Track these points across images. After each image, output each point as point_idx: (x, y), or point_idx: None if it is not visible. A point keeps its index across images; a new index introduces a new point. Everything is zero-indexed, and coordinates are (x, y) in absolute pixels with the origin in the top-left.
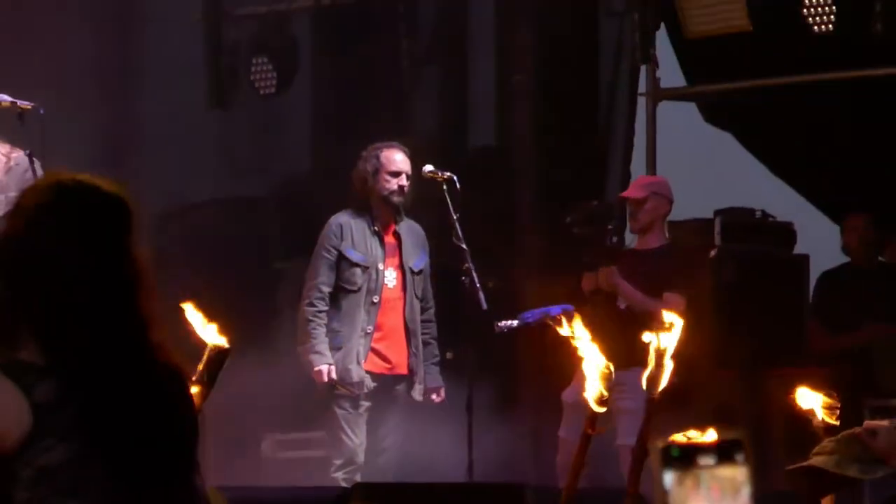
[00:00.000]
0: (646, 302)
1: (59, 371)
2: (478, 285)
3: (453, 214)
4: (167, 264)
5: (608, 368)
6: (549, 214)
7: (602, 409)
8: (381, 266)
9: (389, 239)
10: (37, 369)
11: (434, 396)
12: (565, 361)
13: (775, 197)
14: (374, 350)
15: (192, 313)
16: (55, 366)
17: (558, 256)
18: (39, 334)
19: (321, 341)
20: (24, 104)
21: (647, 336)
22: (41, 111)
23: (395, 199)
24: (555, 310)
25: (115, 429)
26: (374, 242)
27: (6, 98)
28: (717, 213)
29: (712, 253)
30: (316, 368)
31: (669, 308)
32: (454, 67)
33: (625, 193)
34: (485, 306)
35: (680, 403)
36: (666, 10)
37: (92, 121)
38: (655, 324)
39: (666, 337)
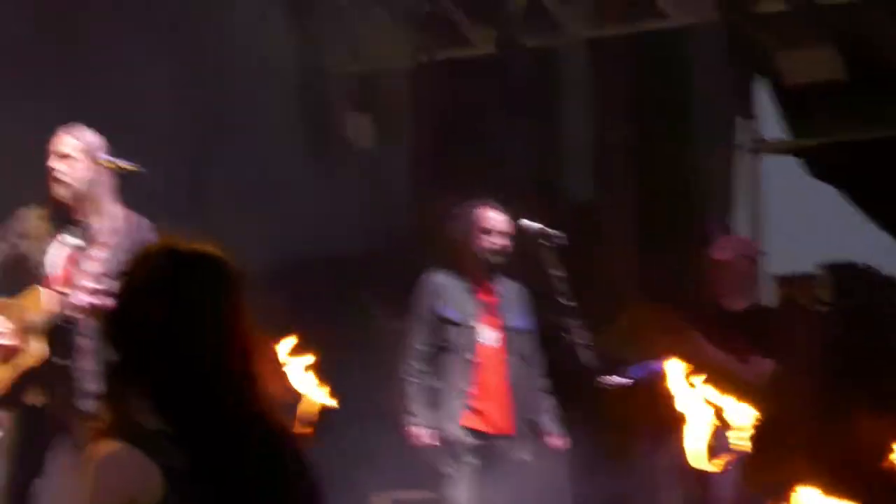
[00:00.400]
0: (732, 365)
1: (184, 438)
2: (581, 342)
3: (556, 271)
4: (267, 323)
5: (715, 423)
6: (648, 269)
7: (716, 468)
8: (477, 324)
9: (486, 297)
10: (161, 436)
11: (554, 440)
12: (667, 418)
13: (882, 251)
14: (476, 410)
15: (294, 368)
16: (178, 433)
17: (660, 311)
18: (157, 402)
19: (417, 402)
20: (127, 165)
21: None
22: (144, 171)
23: (490, 257)
24: (658, 365)
25: (241, 495)
26: (470, 300)
27: (109, 158)
28: (823, 267)
29: (819, 308)
30: (410, 429)
31: (757, 371)
32: (550, 121)
33: (711, 254)
34: (589, 363)
35: (784, 458)
36: (764, 62)
37: (190, 179)
38: (742, 386)
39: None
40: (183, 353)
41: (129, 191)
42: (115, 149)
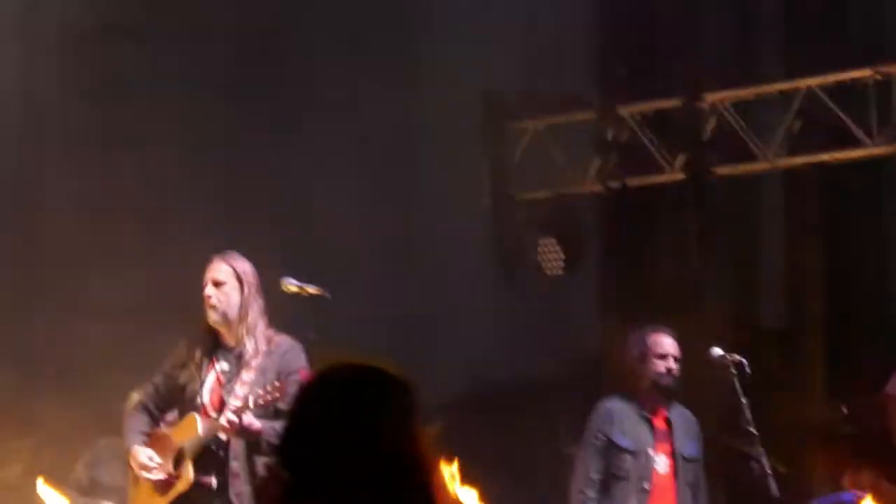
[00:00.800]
0: None
1: None
2: (768, 471)
3: (742, 398)
4: (455, 446)
5: None
6: (840, 401)
7: None
8: (650, 452)
9: (659, 424)
10: None
11: None
12: None
13: None
14: None
15: (465, 491)
16: None
17: (848, 443)
18: None
19: None
20: (311, 289)
21: None
22: (328, 296)
23: (664, 382)
24: (847, 497)
25: None
26: (644, 428)
27: (294, 282)
28: None
29: None
30: None
31: None
32: (743, 247)
33: (887, 390)
34: (775, 493)
35: None
36: None
37: (378, 303)
38: None
39: None
40: (358, 471)
41: (315, 313)
42: (303, 274)
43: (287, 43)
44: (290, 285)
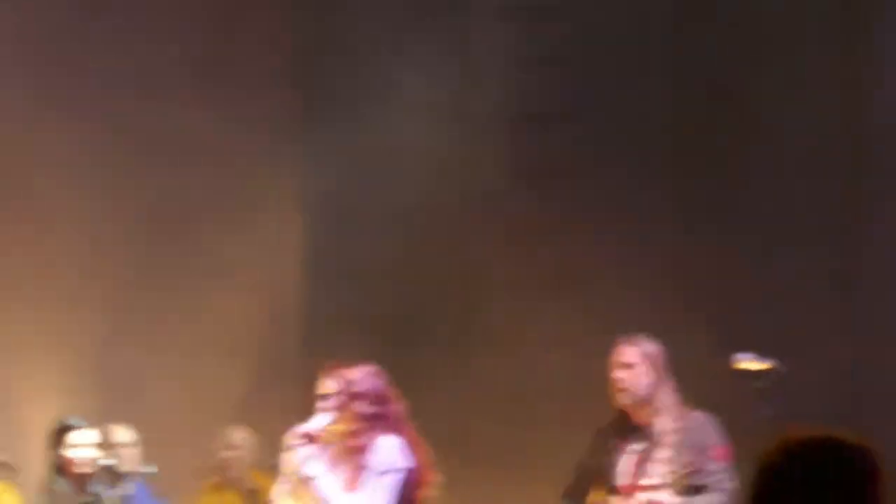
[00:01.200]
0: None
1: None
2: None
3: None
4: None
5: None
6: None
7: None
8: None
9: None
10: None
11: None
12: None
13: None
14: None
15: None
16: None
17: None
18: None
19: None
20: (762, 363)
21: None
22: (780, 369)
23: None
24: None
25: None
26: None
27: (745, 357)
28: None
29: None
30: None
31: None
32: None
33: None
34: None
35: None
36: None
37: (830, 375)
38: None
39: None
40: None
41: (769, 387)
42: (751, 348)
43: (732, 124)
44: (742, 361)
